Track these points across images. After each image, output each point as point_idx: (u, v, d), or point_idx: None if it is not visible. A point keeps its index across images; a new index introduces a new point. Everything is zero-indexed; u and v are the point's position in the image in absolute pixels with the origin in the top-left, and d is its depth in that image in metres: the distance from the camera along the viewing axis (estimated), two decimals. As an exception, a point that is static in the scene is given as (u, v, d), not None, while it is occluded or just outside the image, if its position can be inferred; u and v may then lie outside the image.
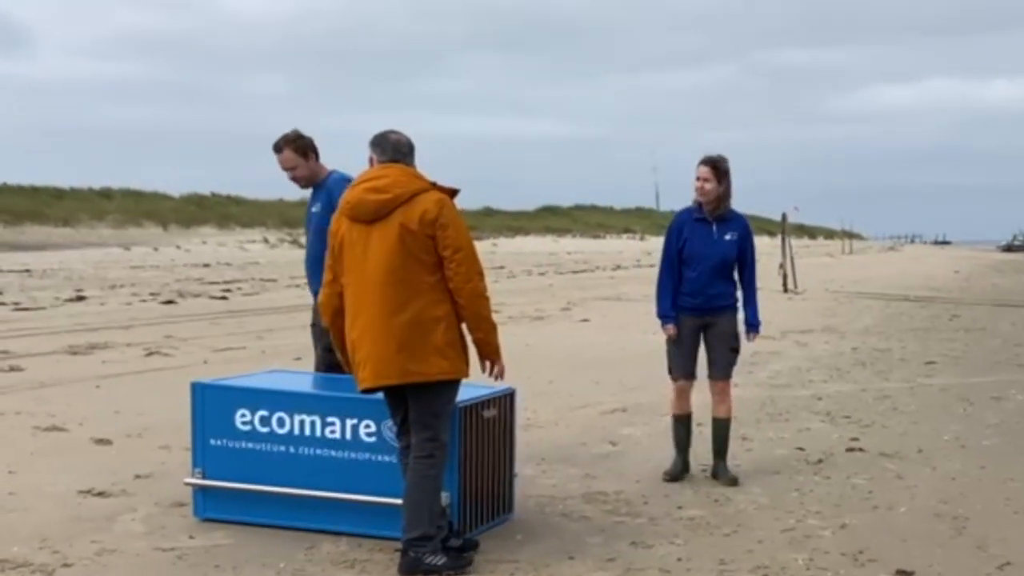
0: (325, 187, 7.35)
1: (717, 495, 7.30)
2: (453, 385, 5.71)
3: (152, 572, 5.69)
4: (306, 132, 7.48)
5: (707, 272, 7.62)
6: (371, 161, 5.82)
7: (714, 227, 7.63)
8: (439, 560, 5.60)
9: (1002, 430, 9.64)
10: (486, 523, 6.35)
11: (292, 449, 6.32)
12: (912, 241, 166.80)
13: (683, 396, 7.79)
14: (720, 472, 7.69)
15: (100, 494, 7.04)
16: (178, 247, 50.10)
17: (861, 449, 8.73)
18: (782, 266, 29.09)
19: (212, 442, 6.45)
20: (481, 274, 5.65)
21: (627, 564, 5.83)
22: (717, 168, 7.58)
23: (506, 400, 6.55)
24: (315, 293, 7.25)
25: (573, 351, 14.80)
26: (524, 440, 8.71)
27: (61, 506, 6.77)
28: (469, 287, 5.56)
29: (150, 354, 13.85)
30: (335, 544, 6.05)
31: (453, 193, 5.71)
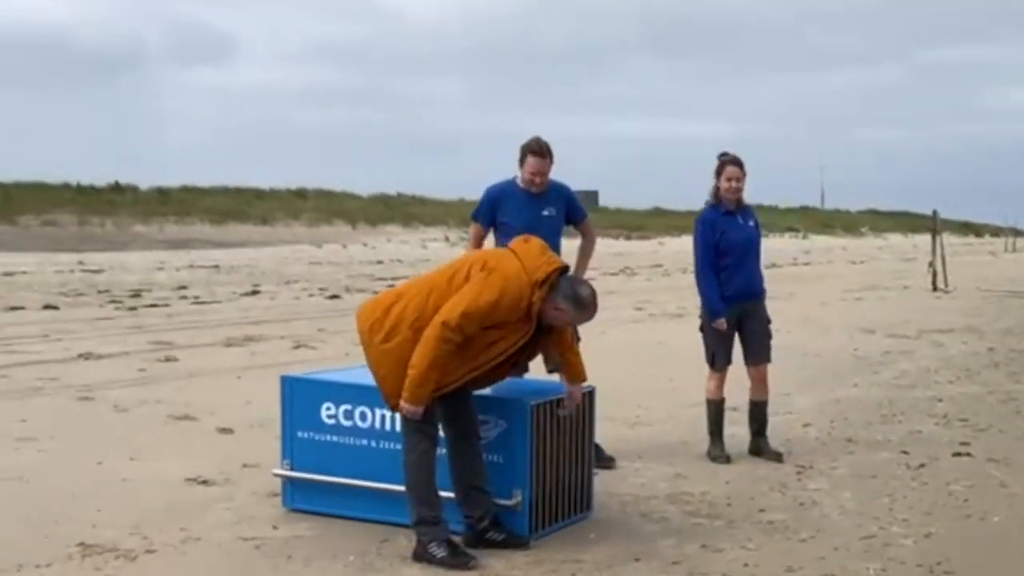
0: (562, 194, 7.50)
1: (804, 499, 6.86)
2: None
3: (227, 561, 5.61)
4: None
5: (747, 260, 7.83)
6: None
7: (739, 217, 7.85)
8: (439, 552, 5.52)
9: None
10: (560, 521, 6.09)
11: (373, 443, 6.19)
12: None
13: (723, 382, 8.00)
14: (764, 448, 7.96)
15: (204, 482, 7.03)
16: (365, 244, 50.92)
17: (969, 454, 8.12)
18: (931, 264, 27.81)
19: (299, 434, 6.37)
20: (446, 323, 5.36)
21: (691, 568, 5.49)
22: (743, 167, 7.82)
23: (584, 399, 6.27)
24: None
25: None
26: (627, 438, 8.46)
27: (165, 493, 6.77)
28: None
29: (297, 347, 13.94)
30: (409, 539, 5.85)
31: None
